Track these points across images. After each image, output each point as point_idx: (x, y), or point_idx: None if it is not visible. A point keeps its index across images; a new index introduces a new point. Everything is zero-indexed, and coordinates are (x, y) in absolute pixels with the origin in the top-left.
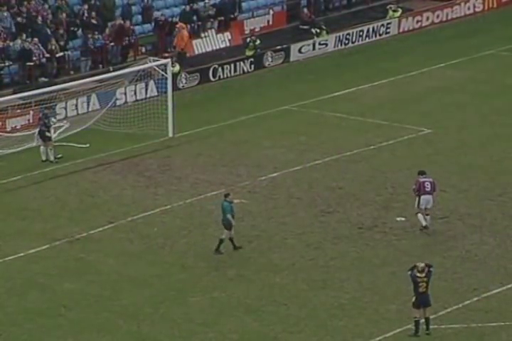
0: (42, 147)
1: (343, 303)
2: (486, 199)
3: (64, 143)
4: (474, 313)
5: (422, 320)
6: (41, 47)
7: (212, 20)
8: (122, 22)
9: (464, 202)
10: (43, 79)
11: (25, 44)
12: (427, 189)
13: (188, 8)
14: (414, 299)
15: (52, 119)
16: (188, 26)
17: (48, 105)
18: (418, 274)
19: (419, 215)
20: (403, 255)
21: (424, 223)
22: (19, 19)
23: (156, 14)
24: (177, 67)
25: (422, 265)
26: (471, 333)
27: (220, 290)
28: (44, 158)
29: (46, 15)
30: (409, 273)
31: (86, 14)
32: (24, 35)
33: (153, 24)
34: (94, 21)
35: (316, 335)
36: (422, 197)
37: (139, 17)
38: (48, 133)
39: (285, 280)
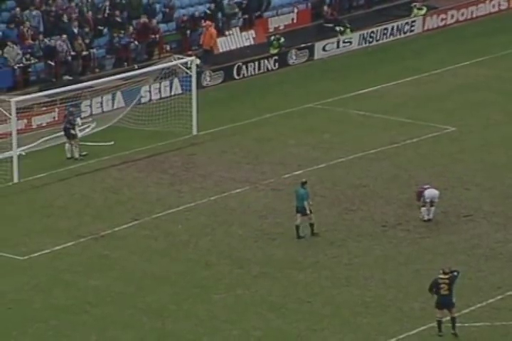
0: (67, 144)
1: (366, 301)
2: (510, 197)
3: (89, 143)
4: (498, 311)
5: (446, 318)
6: (69, 45)
7: (237, 17)
8: (147, 20)
9: (489, 200)
10: (67, 77)
11: (52, 42)
12: (425, 186)
13: (212, 6)
14: (436, 300)
15: (78, 119)
16: (213, 24)
17: (73, 103)
18: (441, 276)
19: (423, 209)
20: (427, 253)
21: (426, 217)
22: (46, 18)
23: (181, 12)
24: (197, 61)
25: (447, 271)
26: (495, 331)
27: (243, 288)
28: (69, 156)
29: (72, 14)
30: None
31: (108, 11)
32: (51, 34)
33: (177, 22)
34: (118, 19)
35: (339, 333)
36: (427, 191)
37: (163, 15)
38: (72, 131)
39: (309, 278)
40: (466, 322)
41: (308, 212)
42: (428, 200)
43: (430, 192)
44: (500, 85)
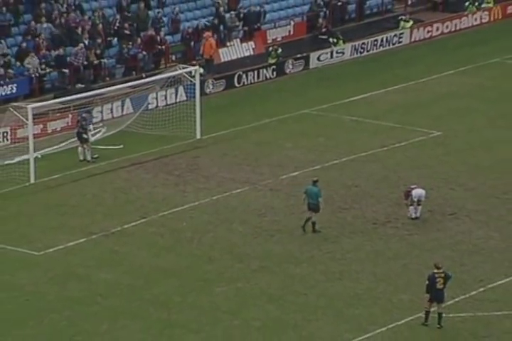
0: (80, 148)
1: (358, 293)
2: (492, 196)
3: (100, 147)
4: (480, 303)
5: (433, 309)
6: (85, 52)
7: (237, 29)
8: (154, 32)
9: (472, 199)
10: (80, 85)
11: (61, 51)
12: (412, 186)
13: (216, 20)
14: (429, 294)
15: (91, 126)
16: (215, 36)
17: (85, 109)
18: (435, 270)
19: (410, 208)
20: (414, 248)
21: (414, 215)
22: (60, 30)
23: (186, 25)
24: (201, 70)
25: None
26: (478, 321)
27: (244, 281)
28: (81, 158)
29: (85, 26)
30: (430, 274)
31: (118, 24)
32: (65, 45)
33: (182, 34)
34: (127, 32)
35: (333, 323)
36: (414, 191)
37: (169, 28)
38: (84, 135)
39: (304, 272)
40: (450, 313)
41: (321, 208)
42: (415, 199)
43: (417, 192)
44: (482, 93)
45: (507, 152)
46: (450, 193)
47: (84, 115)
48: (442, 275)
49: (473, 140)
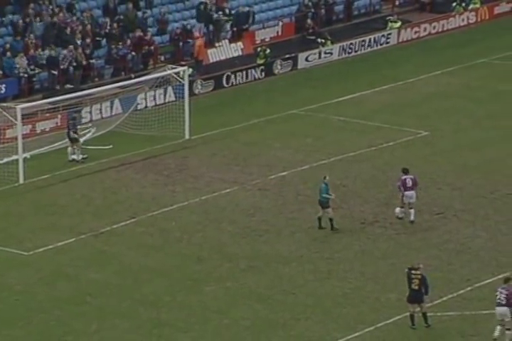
0: (69, 148)
1: (346, 292)
2: (478, 196)
3: (89, 147)
4: (468, 302)
5: (418, 309)
6: (74, 54)
7: (226, 30)
8: (142, 33)
9: (459, 199)
10: (69, 85)
11: (53, 52)
12: (408, 185)
13: (202, 6)
14: (407, 294)
15: (78, 127)
16: (204, 36)
17: (74, 109)
18: (413, 271)
19: (398, 209)
20: (402, 248)
21: (400, 215)
22: (50, 30)
23: (174, 25)
24: (190, 70)
25: (420, 266)
26: (465, 320)
27: (232, 280)
28: (71, 158)
29: (75, 27)
30: (406, 270)
31: (109, 27)
32: (55, 45)
33: (170, 35)
34: (116, 32)
35: (321, 322)
36: (405, 193)
37: (158, 28)
38: (74, 135)
39: (293, 271)
40: (438, 312)
41: (327, 205)
42: (406, 201)
43: (408, 194)
44: (469, 93)
45: (494, 152)
46: (437, 193)
47: (74, 115)
48: (419, 276)
49: (461, 140)
